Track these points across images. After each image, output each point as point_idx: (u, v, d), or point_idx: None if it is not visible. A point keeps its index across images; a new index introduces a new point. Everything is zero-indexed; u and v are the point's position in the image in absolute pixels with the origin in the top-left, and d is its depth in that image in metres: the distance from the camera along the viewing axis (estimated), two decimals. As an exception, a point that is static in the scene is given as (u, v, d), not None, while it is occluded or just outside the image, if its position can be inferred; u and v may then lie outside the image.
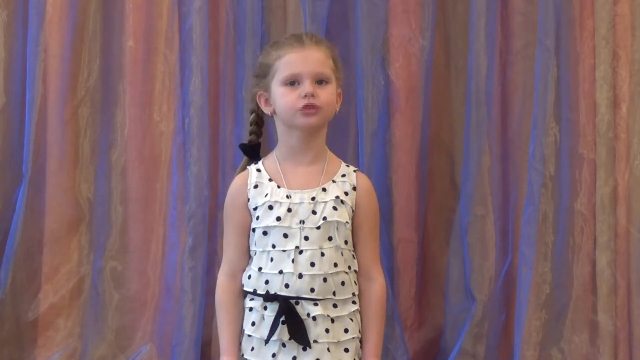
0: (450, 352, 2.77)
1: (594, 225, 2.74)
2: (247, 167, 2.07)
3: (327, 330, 1.96)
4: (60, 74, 2.79)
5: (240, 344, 2.01)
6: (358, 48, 2.77)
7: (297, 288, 1.95)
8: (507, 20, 2.79)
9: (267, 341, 1.96)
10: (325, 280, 1.96)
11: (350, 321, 2.00)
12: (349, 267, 2.01)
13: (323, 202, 1.98)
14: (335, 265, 1.97)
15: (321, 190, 2.00)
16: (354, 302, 2.01)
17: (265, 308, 1.98)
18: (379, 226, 2.09)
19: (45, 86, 2.78)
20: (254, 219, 2.00)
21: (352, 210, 2.01)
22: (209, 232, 2.77)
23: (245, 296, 2.02)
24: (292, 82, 1.97)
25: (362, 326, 2.02)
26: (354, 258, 2.02)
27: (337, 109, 2.05)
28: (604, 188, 2.72)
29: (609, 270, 2.72)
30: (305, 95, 1.95)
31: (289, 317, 1.94)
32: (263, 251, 1.99)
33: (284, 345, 1.96)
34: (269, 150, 2.09)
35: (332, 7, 2.77)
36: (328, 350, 1.96)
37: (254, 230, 2.00)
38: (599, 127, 2.73)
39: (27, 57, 2.78)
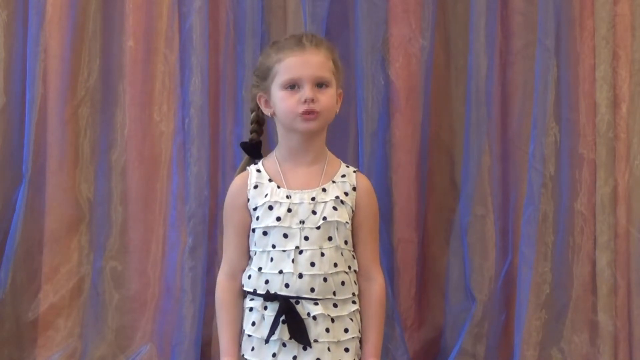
0: (450, 352, 2.76)
1: (594, 225, 2.73)
2: (247, 167, 2.07)
3: (327, 330, 1.96)
4: (60, 74, 2.79)
5: (240, 344, 2.01)
6: (358, 48, 2.76)
7: (297, 288, 1.95)
8: (507, 20, 2.79)
9: (267, 341, 1.96)
10: (325, 280, 1.96)
11: (350, 321, 2.00)
12: (349, 267, 2.01)
13: (323, 202, 1.98)
14: (335, 265, 1.98)
15: (321, 190, 2.00)
16: (354, 302, 2.01)
17: (265, 308, 1.98)
18: (378, 226, 2.10)
19: (45, 86, 2.78)
20: (254, 219, 2.00)
21: (352, 211, 2.01)
22: (209, 232, 2.76)
23: (245, 296, 2.02)
24: (292, 85, 1.97)
25: (362, 326, 2.02)
26: (354, 258, 2.03)
27: (338, 110, 2.05)
28: (604, 188, 2.72)
29: (609, 270, 2.72)
30: (305, 101, 1.95)
31: (289, 316, 1.94)
32: (263, 251, 1.99)
33: (284, 344, 1.96)
34: (269, 150, 2.10)
35: (332, 7, 2.77)
36: (328, 349, 1.96)
37: (253, 230, 2.00)
38: (599, 127, 2.73)
39: (27, 57, 2.78)
